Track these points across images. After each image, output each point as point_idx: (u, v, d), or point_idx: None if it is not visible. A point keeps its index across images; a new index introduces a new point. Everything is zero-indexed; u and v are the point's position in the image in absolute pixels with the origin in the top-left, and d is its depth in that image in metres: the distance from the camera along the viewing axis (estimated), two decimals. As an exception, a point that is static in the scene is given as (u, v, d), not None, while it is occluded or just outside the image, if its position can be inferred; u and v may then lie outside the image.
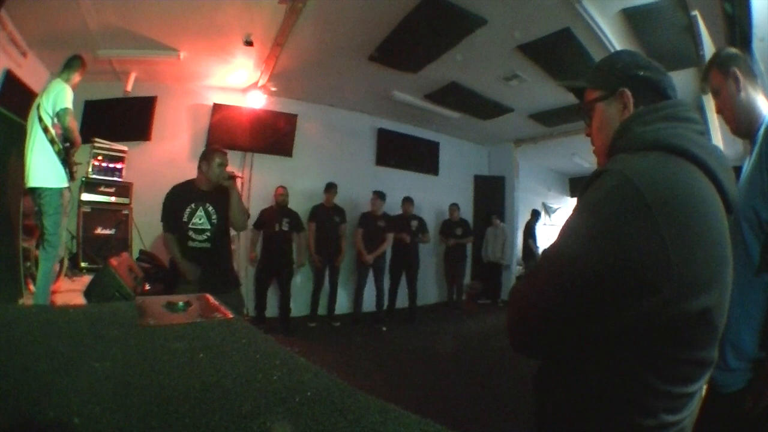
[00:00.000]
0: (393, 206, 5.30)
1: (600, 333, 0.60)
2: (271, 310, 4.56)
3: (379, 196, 4.99)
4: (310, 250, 4.73)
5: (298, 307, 4.87)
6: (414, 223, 5.30)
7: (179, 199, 2.37)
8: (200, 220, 2.37)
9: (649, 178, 0.59)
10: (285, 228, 4.42)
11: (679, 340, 0.59)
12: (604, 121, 0.78)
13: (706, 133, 0.70)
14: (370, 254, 4.90)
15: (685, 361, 0.60)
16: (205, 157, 2.40)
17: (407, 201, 5.34)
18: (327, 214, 4.80)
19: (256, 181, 4.87)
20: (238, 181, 2.52)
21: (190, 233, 2.35)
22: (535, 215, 6.78)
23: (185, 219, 2.34)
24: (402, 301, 5.31)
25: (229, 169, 2.44)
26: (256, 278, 4.50)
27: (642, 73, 0.75)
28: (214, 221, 2.39)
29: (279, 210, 4.46)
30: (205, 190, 2.40)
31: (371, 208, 5.02)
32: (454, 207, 5.79)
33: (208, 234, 2.38)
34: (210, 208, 2.39)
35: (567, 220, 0.65)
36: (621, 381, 0.59)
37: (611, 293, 0.57)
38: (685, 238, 0.57)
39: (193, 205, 2.36)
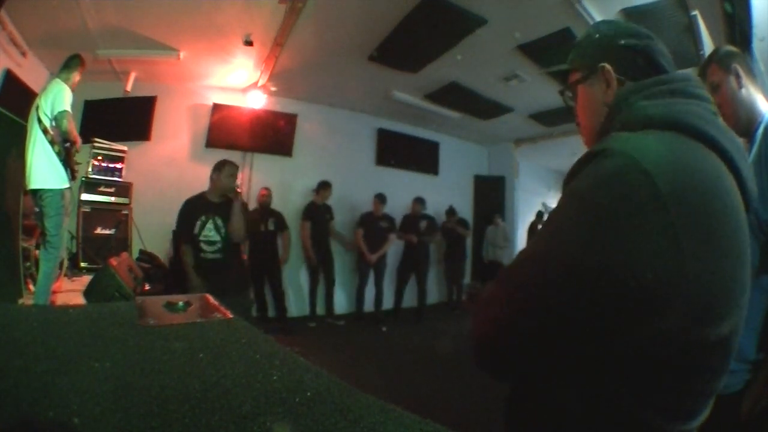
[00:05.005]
0: (394, 207, 5.30)
1: (587, 358, 0.47)
2: (270, 310, 4.56)
3: (381, 199, 4.99)
4: (306, 247, 4.72)
5: (298, 307, 4.86)
6: (422, 224, 5.28)
7: (191, 212, 2.49)
8: (210, 232, 2.46)
9: (662, 160, 0.46)
10: (271, 227, 4.45)
11: (686, 372, 0.46)
12: (587, 104, 0.67)
13: (719, 114, 0.58)
14: (373, 254, 4.89)
15: (691, 394, 0.48)
16: (217, 168, 2.52)
17: (417, 201, 5.30)
18: (320, 212, 4.80)
19: (256, 181, 4.85)
20: (242, 195, 2.66)
21: (202, 245, 2.45)
22: (540, 216, 6.77)
23: (196, 231, 2.45)
24: (407, 301, 5.30)
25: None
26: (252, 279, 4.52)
27: (623, 41, 0.63)
28: (224, 233, 2.48)
29: (263, 211, 4.49)
30: (215, 202, 2.50)
31: (373, 209, 5.01)
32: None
33: (219, 245, 2.47)
34: (219, 221, 2.47)
35: (550, 216, 0.52)
36: (609, 417, 0.47)
37: (604, 314, 0.44)
38: (706, 245, 0.45)
39: (203, 218, 2.46)
